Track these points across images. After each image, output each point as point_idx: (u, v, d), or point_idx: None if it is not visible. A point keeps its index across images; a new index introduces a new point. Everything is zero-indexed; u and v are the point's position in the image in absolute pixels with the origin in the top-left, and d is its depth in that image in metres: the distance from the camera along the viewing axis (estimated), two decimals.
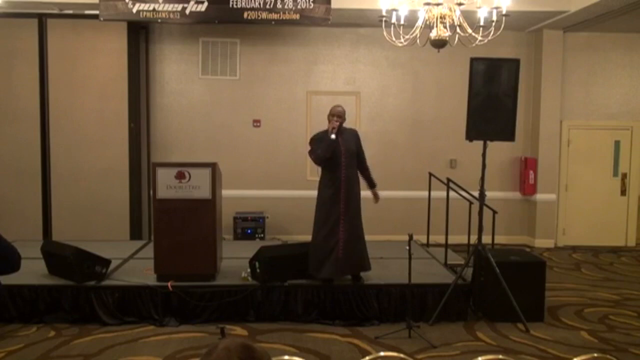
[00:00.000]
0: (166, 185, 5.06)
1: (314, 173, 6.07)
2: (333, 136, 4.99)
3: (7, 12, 7.04)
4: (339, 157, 5.07)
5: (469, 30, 5.25)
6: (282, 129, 8.28)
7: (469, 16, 5.32)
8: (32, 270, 5.27)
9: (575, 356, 2.45)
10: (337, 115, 5.07)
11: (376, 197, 5.52)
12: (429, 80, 8.39)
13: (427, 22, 5.21)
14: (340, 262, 5.05)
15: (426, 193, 6.99)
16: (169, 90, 8.24)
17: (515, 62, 5.15)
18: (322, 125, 5.49)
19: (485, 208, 5.31)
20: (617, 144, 8.52)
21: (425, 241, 7.04)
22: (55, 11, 7.33)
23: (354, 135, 5.32)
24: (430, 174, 6.96)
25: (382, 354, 2.70)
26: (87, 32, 7.41)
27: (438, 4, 5.02)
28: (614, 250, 8.26)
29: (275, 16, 6.79)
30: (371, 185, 5.48)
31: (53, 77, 7.43)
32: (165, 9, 6.76)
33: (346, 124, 5.31)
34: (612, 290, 6.25)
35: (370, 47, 8.28)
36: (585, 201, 8.50)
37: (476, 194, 5.42)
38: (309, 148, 5.21)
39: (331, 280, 5.18)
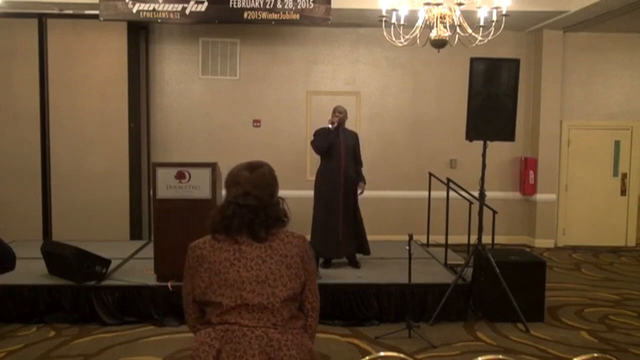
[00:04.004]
0: (166, 185, 5.06)
1: (313, 173, 6.09)
2: (330, 125, 5.63)
3: (7, 12, 7.04)
4: (339, 149, 5.68)
5: (469, 30, 5.26)
6: (282, 129, 8.27)
7: (469, 16, 5.32)
8: (32, 270, 5.28)
9: (575, 356, 2.45)
10: (337, 111, 5.75)
11: (361, 188, 5.98)
12: (429, 80, 8.38)
13: (427, 22, 5.22)
14: (341, 245, 5.65)
15: (426, 193, 7.00)
16: (169, 90, 8.24)
17: (515, 62, 5.15)
18: (322, 125, 5.76)
19: (485, 208, 5.31)
20: (617, 144, 8.51)
21: (425, 241, 7.04)
22: (55, 11, 7.32)
23: (353, 135, 5.96)
24: (430, 174, 6.96)
25: (382, 354, 2.70)
26: (87, 32, 7.41)
27: (438, 4, 5.02)
28: (614, 250, 8.26)
29: (275, 16, 6.78)
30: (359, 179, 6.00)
31: (53, 77, 7.43)
32: (165, 9, 6.75)
33: (347, 124, 5.94)
34: (612, 290, 6.25)
35: (370, 47, 8.28)
36: (585, 201, 8.50)
37: (476, 194, 5.42)
38: (312, 139, 5.82)
39: (329, 262, 5.70)
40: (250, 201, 2.03)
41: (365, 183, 6.00)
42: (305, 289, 2.13)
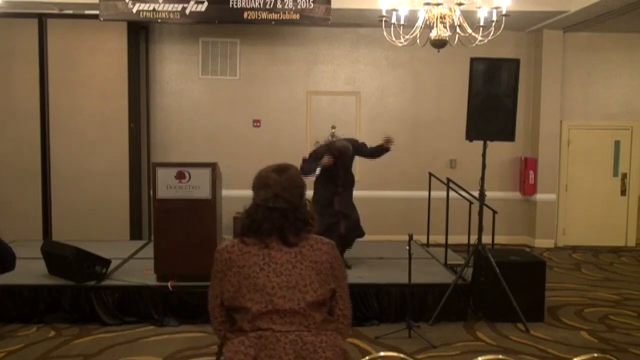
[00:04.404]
0: (166, 185, 5.05)
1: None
2: (318, 171, 5.60)
3: (7, 12, 7.04)
4: (337, 173, 5.69)
5: (469, 30, 5.26)
6: (282, 129, 8.28)
7: (469, 16, 5.32)
8: (32, 270, 5.28)
9: (575, 356, 2.45)
10: (337, 150, 5.57)
11: (389, 141, 5.87)
12: (429, 80, 8.38)
13: (427, 22, 5.22)
14: (342, 238, 5.63)
15: (426, 193, 6.99)
16: (169, 90, 8.24)
17: (515, 62, 5.15)
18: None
19: (485, 208, 5.31)
20: (617, 144, 8.52)
21: (425, 241, 7.04)
22: (55, 11, 7.33)
23: (353, 148, 5.81)
24: (430, 174, 6.96)
25: (382, 354, 2.71)
26: (87, 32, 7.41)
27: (438, 4, 5.03)
28: (614, 250, 8.26)
29: (275, 16, 6.78)
30: (382, 149, 5.91)
31: (53, 77, 7.43)
32: (165, 9, 6.75)
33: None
34: (612, 290, 6.25)
35: (370, 47, 8.28)
36: (585, 201, 8.50)
37: (476, 194, 5.42)
38: (305, 157, 5.78)
39: None
40: (280, 204, 2.03)
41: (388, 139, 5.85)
42: (336, 296, 2.10)
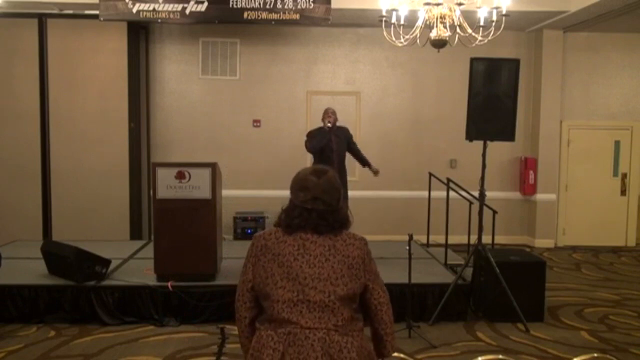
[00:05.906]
0: (166, 185, 5.05)
1: None
2: (329, 124, 5.86)
3: (7, 12, 7.04)
4: (331, 153, 5.86)
5: (469, 30, 5.26)
6: (282, 129, 8.27)
7: (469, 16, 5.32)
8: (32, 270, 5.29)
9: (575, 356, 2.46)
10: (332, 112, 5.99)
11: (374, 171, 6.26)
12: (429, 80, 8.38)
13: (427, 22, 5.22)
14: None
15: (426, 193, 7.00)
16: (169, 90, 8.24)
17: (515, 62, 5.15)
18: (322, 125, 5.74)
19: (485, 208, 5.31)
20: (617, 144, 8.52)
21: (425, 241, 7.04)
22: (55, 11, 7.33)
23: (344, 133, 6.11)
24: (430, 174, 6.96)
25: None
26: (87, 32, 7.41)
27: (438, 4, 5.03)
28: (614, 250, 8.27)
29: (275, 16, 6.79)
30: (365, 163, 6.28)
31: (53, 77, 7.43)
32: (165, 9, 6.76)
33: (346, 124, 6.09)
34: (612, 290, 6.25)
35: (370, 47, 8.28)
36: (585, 201, 8.50)
37: (476, 194, 5.42)
38: (305, 139, 6.06)
39: None
40: (319, 206, 2.10)
41: (369, 163, 6.25)
42: (369, 288, 2.16)
